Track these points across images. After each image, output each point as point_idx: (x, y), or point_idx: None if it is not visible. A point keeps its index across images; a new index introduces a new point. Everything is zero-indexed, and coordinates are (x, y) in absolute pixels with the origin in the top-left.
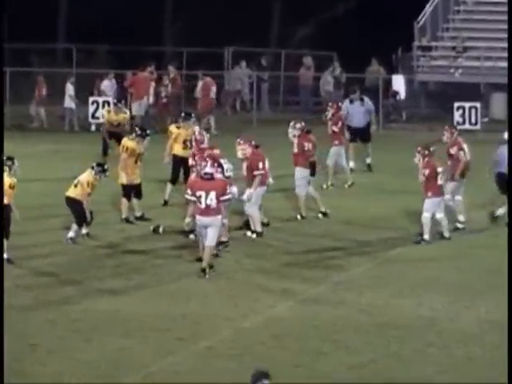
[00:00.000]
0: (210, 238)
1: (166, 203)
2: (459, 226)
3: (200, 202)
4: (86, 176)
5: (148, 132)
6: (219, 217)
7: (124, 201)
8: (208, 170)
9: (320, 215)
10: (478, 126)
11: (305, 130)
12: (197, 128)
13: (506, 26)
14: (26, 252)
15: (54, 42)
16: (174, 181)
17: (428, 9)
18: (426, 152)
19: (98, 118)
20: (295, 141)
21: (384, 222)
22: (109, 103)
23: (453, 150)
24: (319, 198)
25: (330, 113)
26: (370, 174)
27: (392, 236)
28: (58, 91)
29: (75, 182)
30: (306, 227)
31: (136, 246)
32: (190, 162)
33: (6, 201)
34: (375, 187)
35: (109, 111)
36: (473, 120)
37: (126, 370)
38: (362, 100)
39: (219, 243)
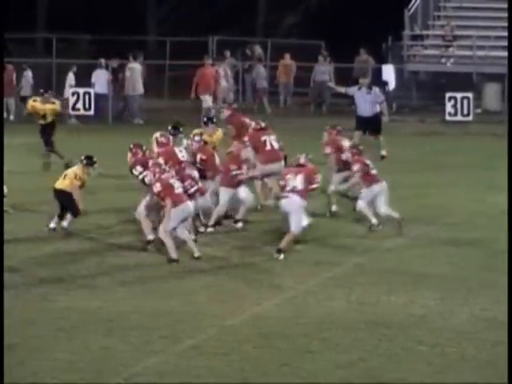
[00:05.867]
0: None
1: None
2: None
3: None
4: (74, 169)
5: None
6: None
7: None
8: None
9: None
10: (471, 118)
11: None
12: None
13: (498, 14)
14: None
15: (33, 31)
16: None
17: None
18: (355, 151)
19: (78, 110)
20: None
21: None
22: (89, 94)
23: (344, 156)
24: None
25: (325, 138)
26: None
27: (383, 230)
28: (41, 82)
29: (64, 173)
30: None
31: (118, 241)
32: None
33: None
34: None
35: (35, 100)
36: (465, 111)
37: (109, 371)
38: (370, 88)
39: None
